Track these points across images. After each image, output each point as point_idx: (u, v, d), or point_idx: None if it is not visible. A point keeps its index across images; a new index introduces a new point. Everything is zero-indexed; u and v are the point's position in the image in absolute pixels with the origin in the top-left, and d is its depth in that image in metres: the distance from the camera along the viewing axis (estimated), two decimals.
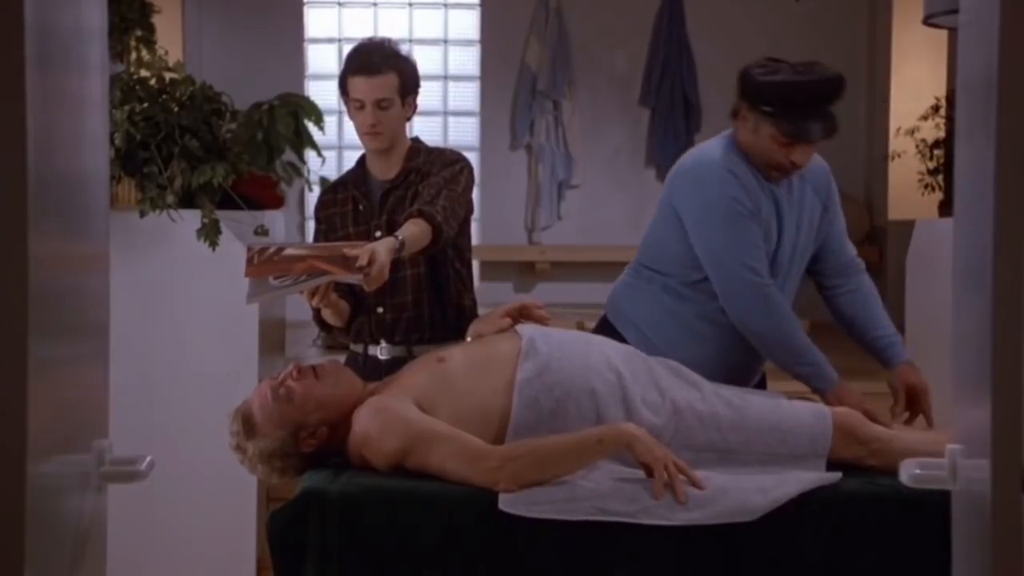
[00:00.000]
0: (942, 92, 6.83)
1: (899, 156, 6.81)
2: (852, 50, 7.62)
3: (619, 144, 7.95)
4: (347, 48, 3.37)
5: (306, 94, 6.75)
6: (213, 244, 3.62)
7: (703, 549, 2.25)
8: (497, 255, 7.82)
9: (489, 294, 6.13)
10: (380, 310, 3.18)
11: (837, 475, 2.40)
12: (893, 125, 7.10)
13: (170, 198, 3.62)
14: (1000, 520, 1.35)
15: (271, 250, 2.74)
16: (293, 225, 7.74)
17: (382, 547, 2.27)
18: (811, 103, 2.75)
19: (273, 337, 4.27)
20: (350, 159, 5.53)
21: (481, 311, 3.15)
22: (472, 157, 4.69)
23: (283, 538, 2.29)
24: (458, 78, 8.10)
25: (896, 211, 7.23)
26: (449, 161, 3.16)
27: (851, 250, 3.04)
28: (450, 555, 2.27)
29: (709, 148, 2.91)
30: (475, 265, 4.29)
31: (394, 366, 2.95)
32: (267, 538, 2.33)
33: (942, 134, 6.68)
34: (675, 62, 7.77)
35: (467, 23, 8.10)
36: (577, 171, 7.93)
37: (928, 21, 4.22)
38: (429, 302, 3.18)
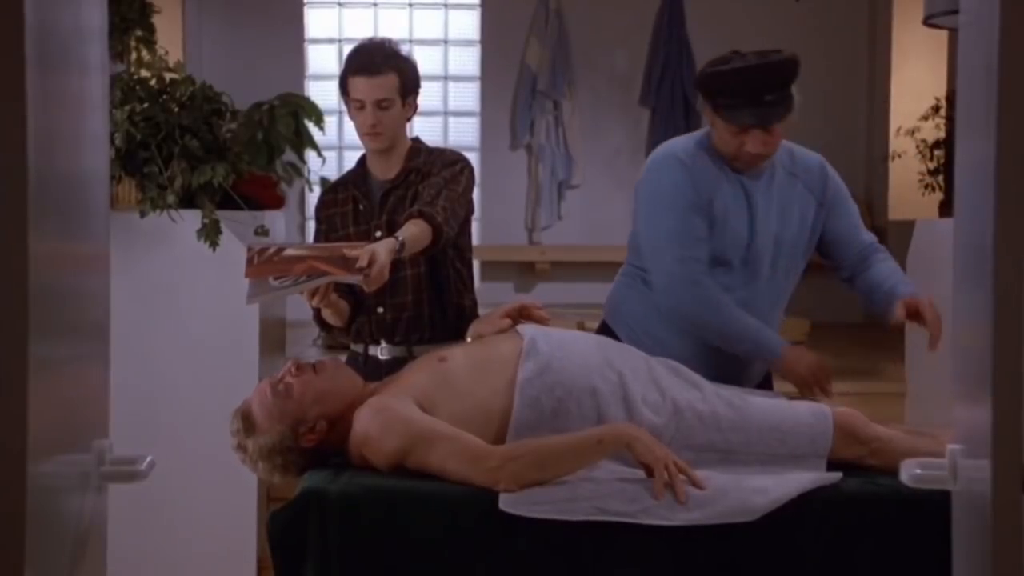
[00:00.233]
0: (942, 92, 6.83)
1: (899, 156, 6.81)
2: (852, 50, 7.62)
3: (619, 144, 7.96)
4: (347, 48, 3.38)
5: (306, 94, 6.76)
6: (213, 244, 3.62)
7: (703, 549, 2.25)
8: (497, 255, 7.83)
9: (489, 294, 6.14)
10: (380, 310, 3.18)
11: (837, 475, 2.40)
12: (893, 125, 7.09)
13: (170, 198, 3.62)
14: (1000, 520, 1.35)
15: (271, 250, 2.74)
16: (293, 225, 7.76)
17: (382, 547, 2.27)
18: (750, 90, 2.73)
19: (273, 337, 4.27)
20: (350, 159, 5.54)
21: (481, 311, 3.15)
22: (472, 157, 4.70)
23: (283, 538, 2.29)
24: (458, 78, 8.11)
25: (896, 211, 7.23)
26: (449, 161, 3.16)
27: (867, 237, 3.00)
28: (450, 555, 2.27)
29: (677, 141, 2.95)
30: (475, 265, 4.29)
31: (394, 366, 2.95)
32: (267, 538, 2.33)
33: (942, 134, 6.68)
34: (675, 62, 7.78)
35: (467, 23, 8.11)
36: (577, 171, 7.93)
37: (928, 21, 4.22)
38: (429, 302, 3.18)
